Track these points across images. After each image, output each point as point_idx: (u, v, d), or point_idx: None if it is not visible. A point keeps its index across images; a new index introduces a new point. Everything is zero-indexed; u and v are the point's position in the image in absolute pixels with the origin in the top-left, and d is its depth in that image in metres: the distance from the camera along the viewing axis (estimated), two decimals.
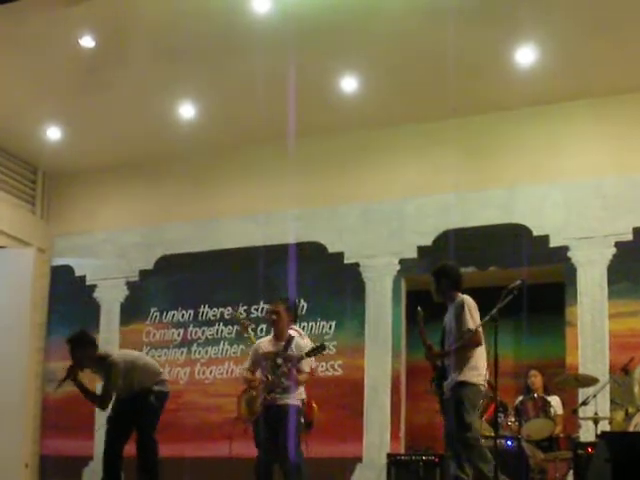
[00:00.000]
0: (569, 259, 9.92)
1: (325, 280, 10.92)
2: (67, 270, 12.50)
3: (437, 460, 9.20)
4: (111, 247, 12.27)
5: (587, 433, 8.73)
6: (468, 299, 6.98)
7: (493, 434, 7.63)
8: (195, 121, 10.83)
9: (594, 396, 8.26)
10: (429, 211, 10.63)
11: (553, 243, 10.00)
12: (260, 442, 7.82)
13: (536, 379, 9.31)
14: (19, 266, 12.16)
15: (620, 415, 8.83)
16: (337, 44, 9.22)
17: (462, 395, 6.80)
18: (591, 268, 9.78)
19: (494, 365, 6.72)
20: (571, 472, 8.27)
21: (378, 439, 10.31)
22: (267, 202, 11.36)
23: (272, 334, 7.99)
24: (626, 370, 8.64)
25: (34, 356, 12.18)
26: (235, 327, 11.18)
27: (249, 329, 9.67)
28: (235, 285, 11.33)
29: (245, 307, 11.14)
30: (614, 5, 8.45)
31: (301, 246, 10.97)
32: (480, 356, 6.90)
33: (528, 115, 10.29)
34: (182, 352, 11.47)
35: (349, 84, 10.03)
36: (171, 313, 11.71)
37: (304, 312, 10.68)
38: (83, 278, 12.37)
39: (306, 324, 10.58)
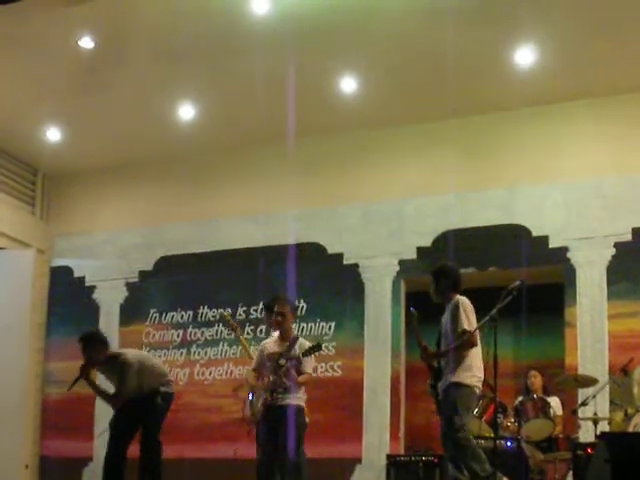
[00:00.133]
0: (568, 260, 9.91)
1: (324, 281, 10.92)
2: (67, 271, 12.50)
3: (437, 461, 9.20)
4: (111, 248, 12.27)
5: (586, 434, 8.72)
6: (464, 300, 6.95)
7: (493, 435, 7.63)
8: (195, 122, 10.83)
9: (593, 397, 8.25)
10: (429, 212, 10.63)
11: (552, 244, 10.00)
12: (261, 443, 7.83)
13: (535, 380, 9.31)
14: (19, 267, 12.17)
15: (619, 416, 8.82)
16: (336, 45, 9.23)
17: (454, 397, 6.78)
18: (590, 269, 9.78)
19: (493, 366, 6.69)
20: (570, 473, 8.26)
21: (377, 440, 10.31)
22: (267, 203, 11.36)
23: (277, 335, 8.01)
24: (625, 371, 8.63)
25: (34, 357, 12.18)
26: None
27: (238, 330, 9.70)
28: (235, 286, 11.33)
29: (245, 308, 11.15)
30: (614, 5, 8.45)
31: (301, 247, 10.97)
32: (475, 357, 6.87)
33: (528, 115, 10.29)
34: (181, 353, 11.47)
35: (349, 84, 10.03)
36: (170, 314, 11.71)
37: (304, 313, 10.69)
38: (83, 279, 12.37)
39: (305, 325, 10.60)
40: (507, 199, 10.32)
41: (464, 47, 8.99)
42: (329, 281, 10.92)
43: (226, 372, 11.12)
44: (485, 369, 6.94)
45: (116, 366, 7.98)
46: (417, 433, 10.63)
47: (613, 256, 9.72)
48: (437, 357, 7.04)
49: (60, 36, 9.19)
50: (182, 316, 11.63)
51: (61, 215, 12.75)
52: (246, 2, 8.63)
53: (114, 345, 11.74)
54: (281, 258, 10.83)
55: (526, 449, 8.33)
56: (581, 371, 9.26)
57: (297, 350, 7.69)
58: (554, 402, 8.93)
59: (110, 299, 12.16)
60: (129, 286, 12.07)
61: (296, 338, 7.88)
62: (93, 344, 8.05)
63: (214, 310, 11.44)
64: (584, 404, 8.34)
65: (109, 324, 12.01)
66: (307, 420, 7.87)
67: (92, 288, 12.29)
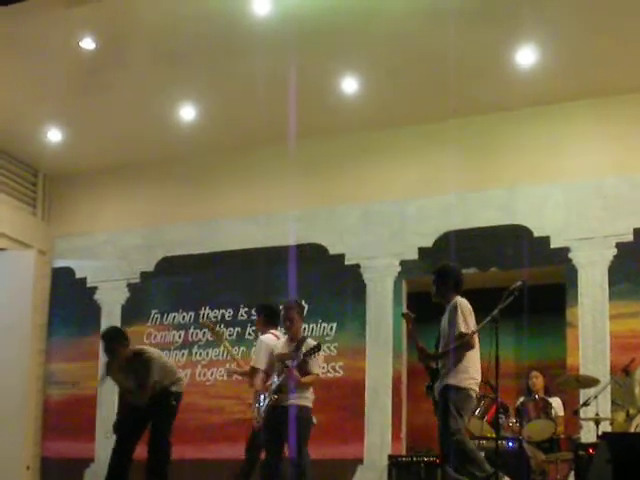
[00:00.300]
0: (570, 260, 9.91)
1: (326, 281, 10.92)
2: (68, 272, 12.50)
3: (438, 461, 9.17)
4: (112, 249, 12.27)
5: (588, 434, 8.70)
6: (463, 302, 6.91)
7: (494, 435, 7.63)
8: (196, 123, 10.84)
9: (595, 397, 8.24)
10: (430, 212, 10.63)
11: (554, 244, 10.00)
12: (265, 444, 7.83)
13: (537, 380, 9.30)
14: (20, 268, 12.17)
15: (621, 416, 8.83)
16: (337, 45, 9.23)
17: (449, 399, 6.74)
18: (592, 269, 9.78)
19: (495, 366, 6.68)
20: (572, 473, 8.25)
21: (379, 440, 10.31)
22: (268, 204, 11.36)
23: (287, 336, 8.06)
24: (627, 371, 8.63)
25: (35, 358, 12.18)
26: (236, 329, 11.20)
27: (222, 336, 9.75)
28: (236, 287, 11.34)
29: (246, 309, 11.15)
30: (614, 6, 8.45)
31: (302, 247, 10.97)
32: (472, 360, 6.83)
33: (529, 116, 10.29)
34: (183, 354, 11.47)
35: (350, 85, 10.03)
36: (172, 315, 11.71)
37: (305, 314, 10.65)
38: (84, 280, 12.38)
39: (307, 326, 10.59)
40: (508, 199, 10.32)
41: (465, 48, 8.99)
42: (330, 282, 10.93)
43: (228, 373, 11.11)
44: (487, 370, 6.92)
45: (141, 362, 7.98)
46: (419, 433, 10.62)
47: (615, 256, 9.72)
48: (434, 359, 7.02)
49: (61, 37, 9.19)
50: (183, 317, 11.63)
51: (62, 216, 12.75)
52: (247, 3, 8.63)
53: None
54: (282, 259, 10.82)
55: (528, 449, 8.32)
56: (583, 371, 9.25)
57: (303, 350, 7.73)
58: (556, 402, 8.92)
59: (111, 300, 12.16)
60: (130, 287, 12.08)
61: (303, 339, 7.92)
62: (119, 340, 8.06)
63: (215, 311, 11.45)
64: (586, 404, 8.33)
65: (110, 325, 11.99)
66: (314, 420, 7.86)
67: (93, 289, 12.30)
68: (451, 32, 8.60)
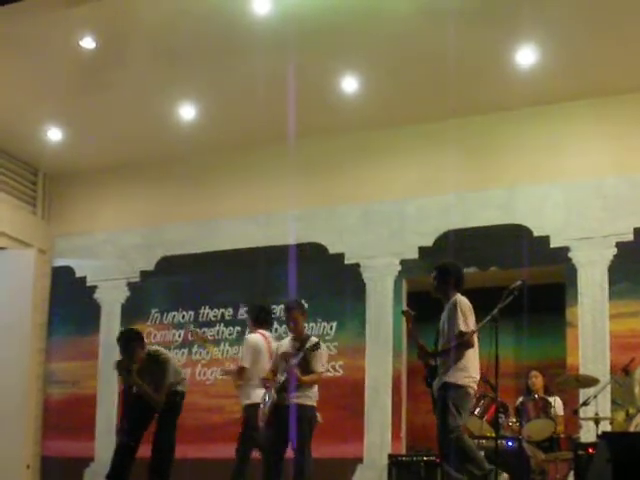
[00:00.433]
0: (570, 259, 9.92)
1: (326, 281, 10.93)
2: (68, 271, 12.51)
3: (438, 460, 9.18)
4: (112, 248, 12.27)
5: (588, 434, 8.71)
6: (462, 300, 6.91)
7: (494, 435, 7.64)
8: (195, 122, 10.84)
9: (595, 397, 8.25)
10: (430, 212, 10.63)
11: (554, 243, 10.01)
12: (267, 442, 7.84)
13: (537, 380, 9.30)
14: (20, 267, 12.18)
15: (621, 415, 8.84)
16: (337, 45, 9.23)
17: (447, 397, 6.74)
18: (592, 269, 9.78)
19: (495, 366, 6.69)
20: (572, 473, 8.26)
21: (379, 439, 10.32)
22: (268, 203, 11.37)
23: (291, 335, 8.09)
24: (627, 371, 8.63)
25: (35, 357, 12.18)
26: (236, 328, 11.21)
27: (205, 341, 9.78)
28: (236, 286, 11.34)
29: (246, 308, 11.13)
30: (614, 5, 8.45)
31: (302, 247, 10.97)
32: (471, 358, 6.83)
33: (529, 115, 10.29)
34: (183, 353, 11.47)
35: (349, 85, 10.04)
36: (172, 314, 11.72)
37: None
38: (84, 279, 12.38)
39: (307, 325, 10.57)
40: (508, 199, 10.32)
41: (465, 47, 8.99)
42: (330, 281, 10.93)
43: None
44: (486, 369, 6.93)
45: (158, 363, 8.01)
46: (419, 433, 10.63)
47: (614, 256, 9.72)
48: (434, 356, 7.02)
49: (61, 36, 9.19)
50: (183, 316, 11.63)
51: (62, 215, 12.75)
52: (247, 2, 8.63)
53: (115, 346, 11.81)
54: (282, 258, 10.82)
55: (527, 449, 8.33)
56: (582, 371, 9.26)
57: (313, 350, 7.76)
58: (555, 402, 8.92)
59: (111, 299, 12.17)
60: (130, 286, 12.08)
61: (307, 337, 7.95)
62: (136, 341, 8.08)
63: (215, 310, 11.46)
64: (585, 404, 8.34)
65: (110, 324, 12.03)
66: (319, 419, 7.87)
67: (93, 288, 12.30)
68: (451, 32, 8.60)
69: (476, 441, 7.69)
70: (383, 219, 10.85)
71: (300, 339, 7.90)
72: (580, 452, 7.91)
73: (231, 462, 8.24)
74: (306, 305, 10.15)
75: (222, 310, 11.40)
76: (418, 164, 10.81)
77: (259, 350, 8.27)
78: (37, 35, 9.13)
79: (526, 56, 9.32)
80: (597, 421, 8.15)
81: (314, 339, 7.95)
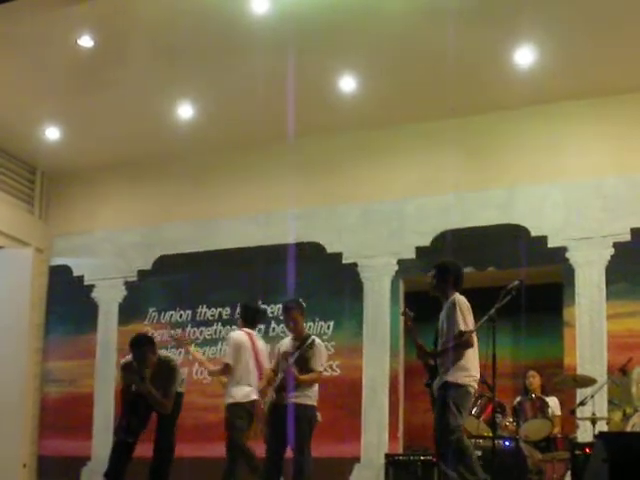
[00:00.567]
0: (567, 260, 9.92)
1: (323, 280, 10.92)
2: (65, 270, 12.50)
3: (435, 460, 9.17)
4: (109, 247, 12.27)
5: (585, 433, 8.72)
6: (461, 299, 6.88)
7: (491, 434, 7.63)
8: (194, 121, 10.83)
9: (592, 396, 8.24)
10: (428, 211, 10.63)
11: (551, 244, 10.00)
12: (266, 441, 7.84)
13: (534, 379, 9.30)
14: (17, 266, 12.17)
15: (618, 415, 8.82)
16: (336, 44, 9.23)
17: (448, 397, 6.70)
18: (589, 269, 9.78)
19: (492, 365, 6.70)
20: (569, 472, 8.26)
21: (376, 439, 10.32)
22: (266, 202, 11.36)
23: (291, 334, 8.12)
24: (624, 371, 8.63)
25: (32, 356, 12.18)
26: (233, 327, 11.18)
27: (188, 343, 9.81)
28: (233, 285, 11.33)
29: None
30: (613, 5, 8.45)
31: (300, 246, 10.97)
32: (470, 357, 6.79)
33: (527, 115, 10.29)
34: (180, 352, 11.43)
35: (348, 84, 10.03)
36: (169, 313, 11.71)
37: None
38: (81, 278, 12.38)
39: (305, 324, 10.58)
40: (506, 199, 10.32)
41: (464, 47, 8.99)
42: (328, 280, 10.93)
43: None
44: (484, 369, 6.92)
45: (168, 369, 8.05)
46: (416, 432, 10.62)
47: (612, 256, 9.72)
48: (433, 356, 7.00)
49: (59, 35, 9.19)
50: (181, 315, 11.63)
51: (60, 214, 12.74)
52: (245, 1, 8.63)
53: (113, 345, 11.83)
54: (280, 257, 10.82)
55: (524, 449, 8.32)
56: (580, 371, 9.26)
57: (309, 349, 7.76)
58: (552, 402, 8.93)
59: (109, 298, 12.16)
60: (128, 285, 12.08)
61: (307, 336, 7.96)
62: (147, 345, 8.08)
63: (213, 309, 11.46)
64: (582, 404, 8.34)
65: (108, 323, 12.03)
66: (319, 418, 7.86)
67: (91, 287, 12.30)
68: (450, 31, 8.60)
69: (473, 441, 7.68)
70: (382, 219, 10.84)
71: (300, 338, 7.90)
72: (577, 452, 7.92)
73: None
74: (304, 304, 10.19)
75: (219, 309, 11.40)
76: (417, 164, 10.81)
77: (242, 347, 8.25)
78: (35, 33, 9.11)
79: (525, 56, 9.33)
80: (594, 421, 8.16)
81: (315, 338, 7.96)
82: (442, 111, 10.40)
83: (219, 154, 11.73)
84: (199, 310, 11.55)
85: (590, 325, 9.64)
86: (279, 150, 11.19)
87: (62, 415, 11.99)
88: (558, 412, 9.03)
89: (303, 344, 7.79)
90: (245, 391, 8.09)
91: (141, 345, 8.05)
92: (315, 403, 7.83)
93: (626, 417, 8.53)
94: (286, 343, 8.05)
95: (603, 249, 9.76)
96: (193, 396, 10.95)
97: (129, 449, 8.04)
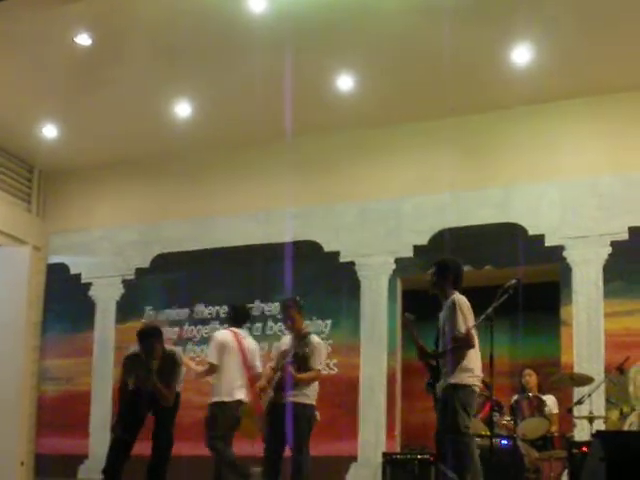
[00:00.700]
0: (564, 258, 9.92)
1: (321, 279, 10.92)
2: (63, 268, 12.49)
3: (432, 459, 9.19)
4: (107, 245, 12.26)
5: (582, 432, 8.70)
6: (461, 299, 6.84)
7: (488, 433, 7.63)
8: (191, 119, 10.83)
9: (589, 395, 8.26)
10: (425, 210, 10.63)
11: (548, 242, 10.01)
12: (265, 440, 7.84)
13: (531, 378, 9.32)
14: (15, 264, 12.16)
15: (615, 414, 8.84)
16: (333, 43, 9.23)
17: (454, 399, 6.64)
18: (586, 267, 9.79)
19: (489, 364, 6.69)
20: (566, 471, 8.28)
21: (373, 438, 10.32)
22: (263, 201, 11.36)
23: (290, 333, 8.13)
24: (621, 369, 8.63)
25: (30, 354, 12.18)
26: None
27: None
28: (231, 283, 11.32)
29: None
30: (609, 4, 8.46)
31: (297, 244, 10.96)
32: (473, 357, 6.75)
33: (524, 114, 10.28)
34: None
35: (345, 83, 10.04)
36: (167, 311, 11.71)
37: None
38: (79, 276, 12.37)
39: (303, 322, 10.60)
40: (503, 198, 10.32)
41: (460, 46, 8.99)
42: (325, 279, 10.93)
43: None
44: (481, 367, 6.91)
45: (172, 362, 8.06)
46: (413, 431, 10.64)
47: (609, 255, 9.73)
48: (435, 357, 6.97)
49: (57, 33, 9.18)
50: (178, 313, 11.62)
51: (57, 212, 12.74)
52: (243, 0, 8.62)
53: (110, 343, 11.82)
54: (278, 256, 10.82)
55: (522, 447, 8.34)
56: (577, 370, 9.27)
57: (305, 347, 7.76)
58: (550, 400, 8.94)
59: (106, 296, 12.16)
60: (125, 283, 12.07)
61: (307, 334, 7.96)
62: (155, 336, 8.08)
63: (210, 307, 11.45)
64: (580, 403, 8.35)
65: (105, 321, 12.03)
66: (318, 418, 7.86)
67: (88, 285, 12.29)
68: (446, 30, 8.60)
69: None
70: (379, 217, 10.85)
71: (299, 336, 7.89)
72: (574, 451, 7.92)
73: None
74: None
75: (217, 307, 11.40)
76: (414, 163, 10.81)
77: (225, 346, 8.26)
78: (32, 31, 9.10)
79: (521, 54, 9.34)
80: (591, 420, 8.17)
81: (314, 337, 7.95)
82: (439, 110, 10.40)
83: (217, 152, 11.73)
84: (196, 308, 11.55)
85: (587, 324, 9.65)
86: (276, 149, 11.19)
87: (59, 413, 11.98)
88: (555, 411, 9.03)
89: (302, 342, 7.79)
90: (228, 390, 8.10)
91: (149, 336, 8.04)
92: (314, 402, 7.82)
93: (623, 416, 8.55)
94: (286, 342, 8.05)
95: (600, 248, 9.77)
96: (190, 394, 10.94)
97: (127, 447, 8.03)
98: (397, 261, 10.68)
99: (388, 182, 10.90)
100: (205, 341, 11.28)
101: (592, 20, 8.69)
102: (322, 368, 8.13)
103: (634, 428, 8.51)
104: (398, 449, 10.22)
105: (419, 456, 9.29)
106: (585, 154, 10.08)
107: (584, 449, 7.67)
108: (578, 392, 8.82)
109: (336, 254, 10.97)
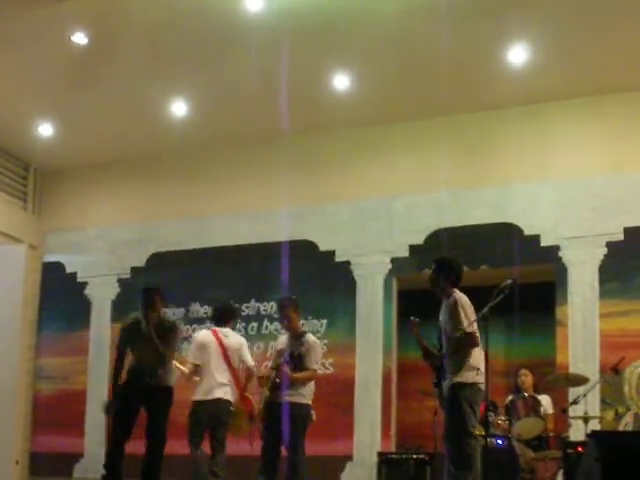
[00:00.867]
0: (560, 258, 9.93)
1: (316, 278, 10.91)
2: (58, 267, 12.48)
3: (428, 458, 9.22)
4: (103, 244, 12.25)
5: (577, 432, 8.72)
6: (462, 297, 6.84)
7: (484, 433, 7.63)
8: (187, 118, 10.83)
9: (584, 395, 8.26)
10: (421, 210, 10.63)
11: (544, 242, 10.02)
12: (262, 439, 7.84)
13: (526, 378, 9.31)
14: (10, 263, 12.15)
15: (610, 414, 8.85)
16: (329, 42, 9.23)
17: (460, 397, 6.64)
18: (582, 268, 9.80)
19: (485, 364, 6.69)
20: (561, 471, 8.28)
21: (369, 437, 10.32)
22: (259, 200, 11.35)
23: (286, 332, 8.12)
24: (616, 370, 8.63)
25: (25, 353, 12.16)
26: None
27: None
28: (226, 283, 11.32)
29: (237, 305, 11.11)
30: (606, 4, 8.46)
31: (292, 244, 10.95)
32: (477, 356, 6.74)
33: (520, 114, 10.30)
34: None
35: (341, 82, 10.03)
36: (162, 311, 11.66)
37: None
38: (74, 275, 12.37)
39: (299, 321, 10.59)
40: (499, 197, 10.33)
41: (457, 45, 8.99)
42: (321, 279, 10.92)
43: None
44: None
45: (170, 327, 8.12)
46: (408, 431, 10.63)
47: (605, 255, 9.74)
48: (439, 358, 6.93)
49: (53, 31, 9.17)
50: (174, 313, 11.57)
51: (53, 211, 12.72)
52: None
53: (106, 342, 11.80)
54: (273, 255, 10.82)
55: (517, 447, 8.35)
56: (572, 370, 9.27)
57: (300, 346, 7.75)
58: (545, 401, 8.95)
59: (102, 295, 12.15)
60: (121, 282, 12.06)
61: (303, 333, 7.96)
62: (156, 290, 8.15)
63: (205, 307, 11.44)
64: (575, 403, 8.35)
65: (101, 320, 12.02)
66: (313, 417, 7.85)
67: (84, 284, 12.28)
68: (443, 30, 8.61)
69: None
70: (374, 217, 10.85)
71: (295, 336, 7.89)
72: (569, 451, 7.94)
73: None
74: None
75: (212, 307, 11.38)
76: (409, 162, 10.81)
77: (204, 345, 8.25)
78: (28, 30, 9.09)
79: (518, 54, 9.34)
80: (586, 420, 8.18)
81: (311, 336, 7.95)
82: (435, 109, 10.41)
83: (212, 152, 11.73)
84: (192, 308, 11.54)
85: (583, 324, 9.66)
86: (272, 148, 11.20)
87: (55, 412, 11.97)
88: (550, 411, 9.04)
89: (298, 341, 7.79)
90: (208, 389, 8.10)
91: (151, 289, 8.13)
92: (310, 402, 7.82)
93: (618, 416, 8.57)
94: (283, 341, 8.05)
95: (596, 248, 9.78)
96: (185, 393, 10.94)
97: (124, 436, 7.96)
98: (393, 261, 10.68)
99: (383, 181, 10.89)
100: None
101: (588, 20, 8.70)
102: (318, 367, 8.11)
103: (629, 428, 8.54)
104: (393, 449, 10.22)
105: (414, 456, 9.31)
106: (581, 154, 10.08)
107: (579, 449, 7.69)
108: (573, 392, 8.82)
109: (332, 253, 10.97)
